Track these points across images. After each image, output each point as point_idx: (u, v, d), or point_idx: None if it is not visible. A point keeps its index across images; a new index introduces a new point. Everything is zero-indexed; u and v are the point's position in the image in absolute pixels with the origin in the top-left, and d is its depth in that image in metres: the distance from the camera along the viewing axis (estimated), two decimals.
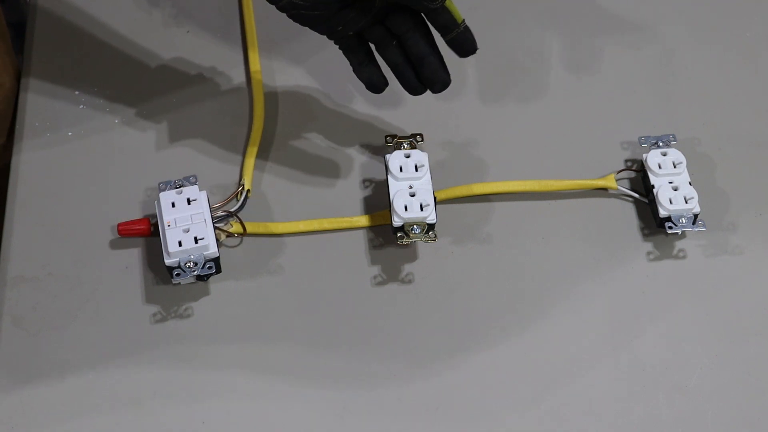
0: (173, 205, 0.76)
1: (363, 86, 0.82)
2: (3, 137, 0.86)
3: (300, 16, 0.72)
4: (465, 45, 0.74)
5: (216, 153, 0.83)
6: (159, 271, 0.77)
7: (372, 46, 0.76)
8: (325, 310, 0.76)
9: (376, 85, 0.76)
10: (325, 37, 0.75)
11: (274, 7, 0.72)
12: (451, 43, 0.74)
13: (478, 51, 0.83)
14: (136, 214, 0.79)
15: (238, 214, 0.78)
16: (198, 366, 0.74)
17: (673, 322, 0.76)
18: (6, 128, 0.86)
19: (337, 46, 0.76)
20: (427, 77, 0.75)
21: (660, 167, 0.79)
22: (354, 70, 0.77)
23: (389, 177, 0.77)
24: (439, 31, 0.73)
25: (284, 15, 0.73)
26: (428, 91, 0.76)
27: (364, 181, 0.82)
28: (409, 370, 0.74)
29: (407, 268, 0.78)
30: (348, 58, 0.76)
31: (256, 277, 0.77)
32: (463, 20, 0.73)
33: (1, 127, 0.86)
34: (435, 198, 0.76)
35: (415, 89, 0.76)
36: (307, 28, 0.73)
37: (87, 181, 0.81)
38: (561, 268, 0.78)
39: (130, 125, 0.84)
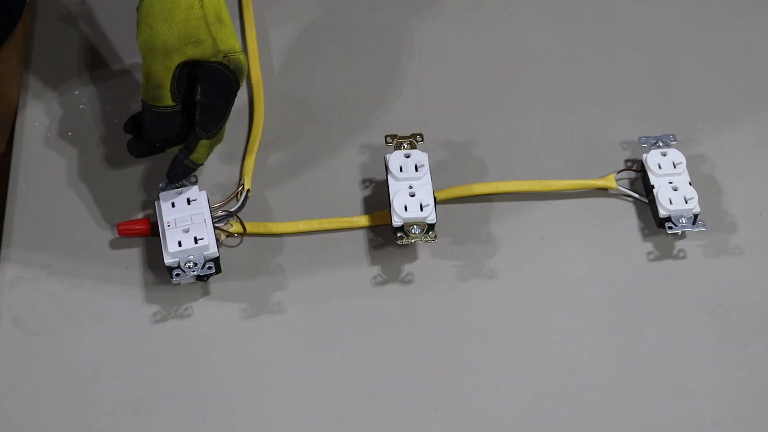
0: (173, 205, 0.76)
1: (364, 86, 0.82)
2: (3, 146, 0.86)
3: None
4: (173, 170, 0.76)
5: (216, 153, 0.82)
6: (159, 271, 0.77)
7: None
8: (325, 310, 0.76)
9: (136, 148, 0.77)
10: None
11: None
12: (173, 160, 0.76)
13: (477, 51, 0.83)
14: (136, 214, 0.79)
15: (238, 214, 0.78)
16: (198, 366, 0.74)
17: (673, 322, 0.76)
18: (6, 138, 0.86)
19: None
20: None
21: (660, 167, 0.79)
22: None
23: (389, 177, 0.77)
24: (187, 143, 0.75)
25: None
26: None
27: (364, 181, 0.82)
28: (409, 370, 0.74)
29: (407, 268, 0.78)
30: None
31: (256, 277, 0.77)
32: (197, 163, 0.75)
33: (2, 137, 0.86)
34: (435, 198, 0.76)
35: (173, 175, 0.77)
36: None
37: (87, 181, 0.81)
38: (561, 267, 0.78)
39: None
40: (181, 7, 0.68)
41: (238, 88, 0.72)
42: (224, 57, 0.70)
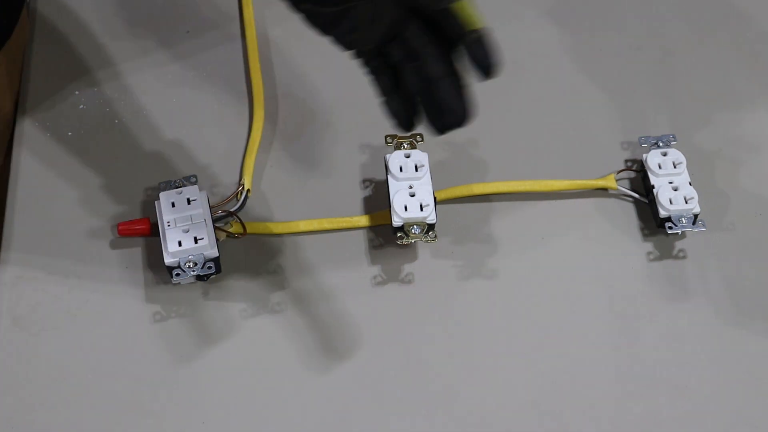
0: (173, 205, 0.76)
1: (364, 86, 0.82)
2: (1, 158, 0.86)
3: (318, 16, 0.64)
4: (476, 59, 0.61)
5: (216, 153, 0.83)
6: (159, 271, 0.77)
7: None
8: (325, 310, 0.76)
9: (402, 119, 0.65)
10: (326, 38, 0.74)
11: (274, 6, 0.72)
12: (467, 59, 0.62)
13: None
14: (136, 214, 0.79)
15: (238, 214, 0.78)
16: (198, 366, 0.74)
17: (673, 322, 0.76)
18: (3, 150, 0.85)
19: (365, 71, 0.66)
20: (434, 106, 0.63)
21: (660, 167, 0.79)
22: (381, 104, 0.66)
23: (389, 177, 0.77)
24: (449, 45, 0.62)
25: (284, 14, 0.72)
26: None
27: (364, 181, 0.82)
28: (409, 371, 0.74)
29: (407, 268, 0.78)
30: (375, 86, 0.66)
31: (256, 277, 0.77)
32: (477, 30, 0.60)
33: (0, 149, 0.86)
34: (435, 198, 0.76)
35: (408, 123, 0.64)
36: (308, 30, 0.73)
37: (87, 181, 0.81)
38: (561, 268, 0.78)
39: (130, 125, 0.84)
40: None
41: None
42: None
